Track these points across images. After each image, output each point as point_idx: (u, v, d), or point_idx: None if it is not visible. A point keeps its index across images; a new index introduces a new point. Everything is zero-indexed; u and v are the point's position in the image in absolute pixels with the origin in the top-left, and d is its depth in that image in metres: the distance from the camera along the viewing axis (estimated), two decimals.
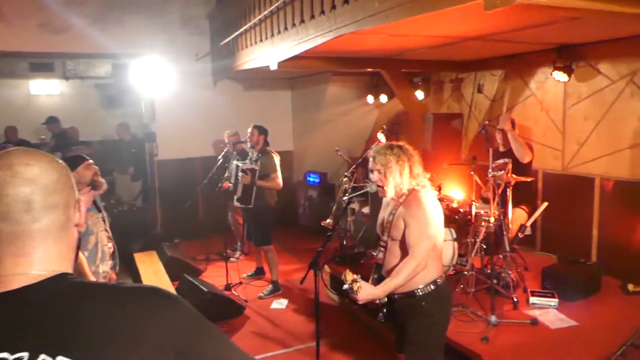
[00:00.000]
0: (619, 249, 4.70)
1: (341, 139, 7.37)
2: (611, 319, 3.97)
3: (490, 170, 3.81)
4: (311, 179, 8.07)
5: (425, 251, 2.52)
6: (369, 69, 6.28)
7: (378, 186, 2.74)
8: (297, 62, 5.38)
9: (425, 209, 2.58)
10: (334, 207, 5.87)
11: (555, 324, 3.76)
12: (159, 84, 6.95)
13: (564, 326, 3.74)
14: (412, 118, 6.47)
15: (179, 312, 1.02)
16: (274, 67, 5.31)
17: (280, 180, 5.42)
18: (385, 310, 2.77)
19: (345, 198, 2.84)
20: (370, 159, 2.77)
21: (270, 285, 5.55)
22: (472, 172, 4.23)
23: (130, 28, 6.96)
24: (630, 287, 4.29)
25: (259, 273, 6.00)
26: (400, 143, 2.78)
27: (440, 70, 6.72)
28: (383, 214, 2.83)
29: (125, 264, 5.56)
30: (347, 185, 6.04)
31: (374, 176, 2.74)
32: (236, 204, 5.51)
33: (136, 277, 5.57)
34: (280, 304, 5.31)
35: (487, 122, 3.71)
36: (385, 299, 2.77)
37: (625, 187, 4.68)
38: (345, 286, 2.40)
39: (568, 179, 5.17)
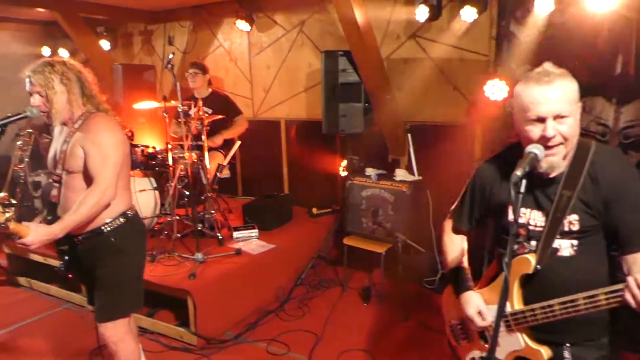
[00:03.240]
0: (304, 181, 5.35)
1: (15, 102, 6.09)
2: (302, 239, 4.50)
3: (179, 106, 3.70)
4: None
5: (112, 179, 2.24)
6: (39, 9, 5.25)
7: (42, 112, 2.31)
8: None
9: (108, 134, 2.29)
10: (8, 177, 4.90)
11: (257, 250, 4.00)
12: None
13: (264, 250, 4.03)
14: (99, 70, 5.82)
15: None
16: None
17: None
18: (67, 257, 2.38)
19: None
20: (27, 80, 2.28)
21: None
22: (164, 114, 4.05)
23: None
24: (314, 210, 4.93)
25: None
26: (65, 59, 2.38)
27: (127, 20, 6.21)
28: (56, 145, 2.40)
29: None
30: (20, 152, 5.04)
31: (35, 100, 2.29)
32: None
33: None
34: None
35: (170, 57, 3.54)
36: (67, 247, 2.39)
37: (304, 126, 5.30)
38: None
39: (259, 125, 5.53)
